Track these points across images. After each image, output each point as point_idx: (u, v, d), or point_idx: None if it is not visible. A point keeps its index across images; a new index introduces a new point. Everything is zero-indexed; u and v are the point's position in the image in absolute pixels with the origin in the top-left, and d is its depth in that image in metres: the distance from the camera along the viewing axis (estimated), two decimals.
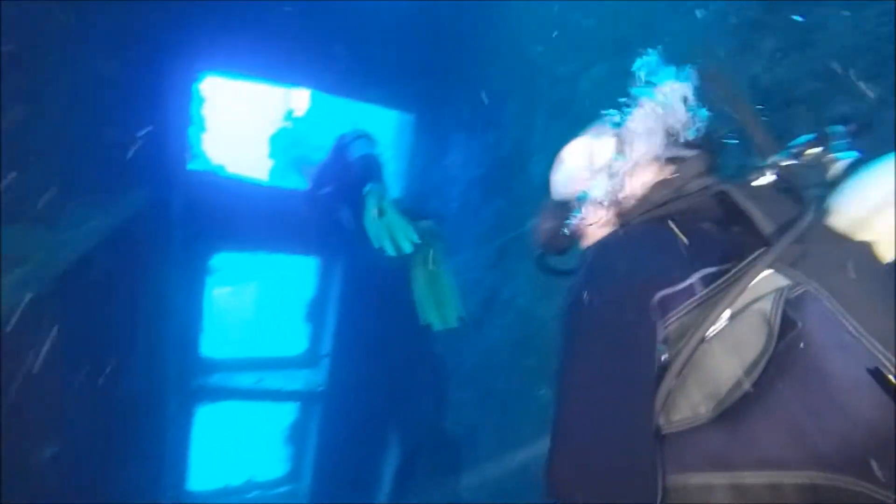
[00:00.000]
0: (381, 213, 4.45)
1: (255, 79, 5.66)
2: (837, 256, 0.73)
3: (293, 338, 6.79)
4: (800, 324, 0.65)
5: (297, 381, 6.46)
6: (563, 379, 0.81)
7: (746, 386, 0.64)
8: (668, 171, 1.06)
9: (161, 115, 4.82)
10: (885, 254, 0.74)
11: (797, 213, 0.77)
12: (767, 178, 0.95)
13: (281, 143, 8.95)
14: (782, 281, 0.71)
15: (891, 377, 0.59)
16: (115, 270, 3.93)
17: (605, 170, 1.12)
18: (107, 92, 3.64)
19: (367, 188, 4.57)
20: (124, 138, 4.10)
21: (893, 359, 0.61)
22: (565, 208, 1.20)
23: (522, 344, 3.81)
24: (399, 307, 5.82)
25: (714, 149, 1.08)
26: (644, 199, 1.04)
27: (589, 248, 0.94)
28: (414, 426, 5.59)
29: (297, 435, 6.73)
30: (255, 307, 7.34)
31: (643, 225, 0.96)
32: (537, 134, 3.89)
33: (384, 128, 7.14)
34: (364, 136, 5.19)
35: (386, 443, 6.12)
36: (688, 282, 0.77)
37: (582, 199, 1.15)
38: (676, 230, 0.86)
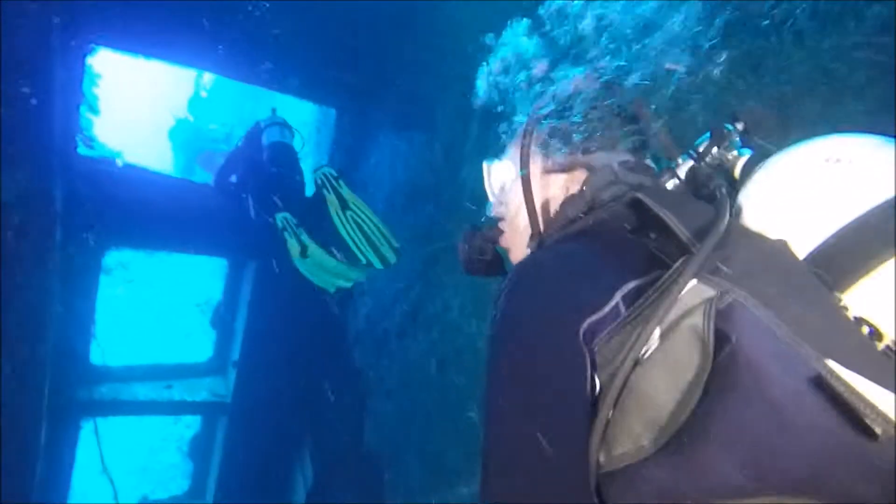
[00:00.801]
0: (303, 251, 4.09)
1: (158, 58, 5.09)
2: (758, 259, 0.70)
3: (196, 344, 6.24)
4: (733, 337, 0.60)
5: (201, 391, 5.93)
6: (490, 418, 0.75)
7: (687, 411, 0.60)
8: (577, 182, 1.02)
9: (46, 87, 4.21)
10: (801, 250, 0.72)
11: (712, 217, 0.73)
12: (674, 181, 0.95)
13: (182, 131, 8.39)
14: (708, 291, 0.66)
15: (832, 383, 0.55)
16: None
17: (500, 190, 1.11)
18: None
19: (279, 220, 4.17)
20: None
21: (831, 363, 0.58)
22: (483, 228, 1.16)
23: (450, 361, 3.61)
24: (314, 312, 5.50)
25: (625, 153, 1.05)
26: (557, 215, 1.00)
27: (507, 275, 0.87)
28: (330, 440, 5.26)
29: (199, 450, 6.19)
30: (154, 311, 6.69)
31: (559, 245, 0.92)
32: (472, 139, 3.68)
33: (302, 120, 6.74)
34: (279, 124, 4.85)
35: (299, 458, 5.74)
36: (612, 302, 0.72)
37: (489, 220, 1.13)
38: (590, 247, 0.85)
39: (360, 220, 3.97)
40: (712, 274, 0.67)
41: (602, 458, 0.67)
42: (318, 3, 4.85)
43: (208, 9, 4.66)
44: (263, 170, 4.64)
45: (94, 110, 5.05)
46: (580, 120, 1.03)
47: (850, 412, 0.54)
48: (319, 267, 4.14)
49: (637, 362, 0.65)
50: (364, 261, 3.86)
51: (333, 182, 4.13)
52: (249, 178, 4.73)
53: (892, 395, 0.55)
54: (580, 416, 0.69)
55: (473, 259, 1.15)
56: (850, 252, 0.66)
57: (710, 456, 0.59)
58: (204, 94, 8.67)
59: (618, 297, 0.72)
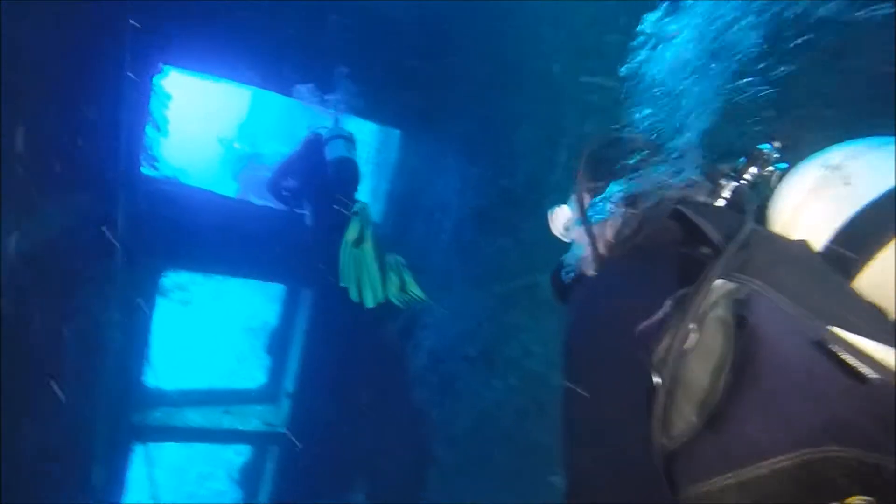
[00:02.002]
0: (358, 241, 4.01)
1: (221, 77, 4.98)
2: (776, 255, 0.82)
3: (250, 370, 6.07)
4: (750, 319, 0.71)
5: (253, 419, 5.73)
6: (567, 424, 0.89)
7: (721, 387, 0.70)
8: (630, 208, 1.13)
9: (110, 109, 4.12)
10: (817, 245, 0.82)
11: (740, 223, 0.85)
12: (718, 201, 1.04)
13: (228, 151, 8.39)
14: (730, 286, 0.77)
15: (828, 340, 0.65)
16: (44, 285, 3.19)
17: (568, 231, 1.25)
18: (46, 76, 2.92)
19: (357, 206, 4.08)
20: (63, 135, 3.41)
21: (835, 329, 0.67)
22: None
23: (531, 414, 3.24)
24: (373, 343, 5.24)
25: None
26: (616, 237, 1.12)
27: (574, 293, 1.03)
28: (386, 482, 4.94)
29: (248, 479, 5.98)
30: (208, 334, 6.57)
31: (616, 263, 1.05)
32: (558, 168, 3.34)
33: (364, 139, 6.56)
34: (345, 137, 4.58)
35: (351, 498, 5.44)
36: (663, 308, 0.82)
37: (571, 251, 1.26)
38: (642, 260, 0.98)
39: (361, 261, 3.96)
40: (735, 270, 0.77)
41: (665, 442, 0.75)
42: (384, 23, 4.66)
43: (273, 29, 4.53)
44: (330, 188, 4.39)
45: (161, 130, 4.97)
46: (613, 156, 1.17)
47: (844, 364, 0.62)
48: (358, 266, 4.00)
49: (682, 354, 0.74)
50: (343, 283, 3.91)
51: (366, 223, 4.07)
52: (311, 192, 4.53)
53: (888, 347, 0.64)
54: (642, 406, 0.77)
55: (561, 288, 1.27)
56: (852, 244, 0.74)
57: (747, 423, 0.68)
58: (246, 113, 8.67)
59: (668, 303, 0.81)
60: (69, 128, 3.47)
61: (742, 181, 1.03)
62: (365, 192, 6.59)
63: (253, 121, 8.69)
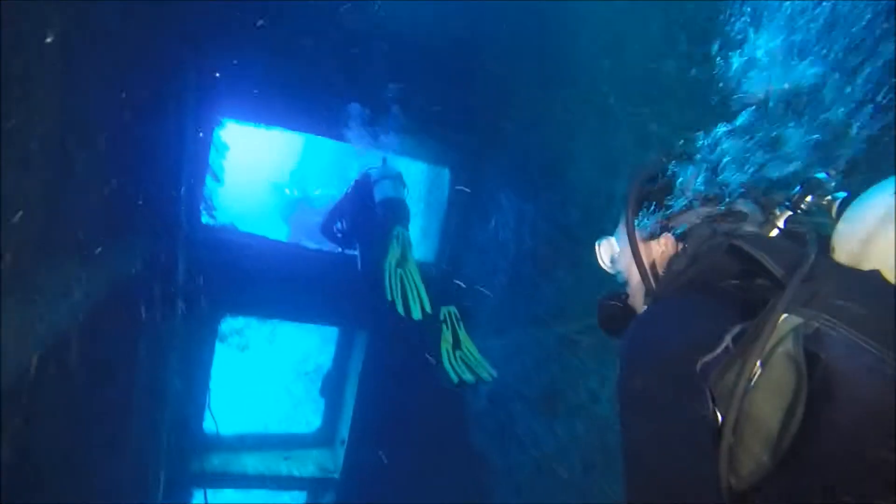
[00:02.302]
0: (401, 262, 4.11)
1: (273, 126, 5.13)
2: (845, 287, 0.77)
3: (305, 414, 6.03)
4: (823, 355, 0.69)
5: (308, 464, 5.66)
6: (628, 453, 0.86)
7: (796, 425, 0.67)
8: (670, 242, 1.16)
9: (169, 161, 4.27)
10: (891, 276, 0.77)
11: (802, 255, 0.82)
12: (775, 230, 1.03)
13: (280, 196, 8.61)
14: (796, 320, 0.74)
15: None
16: (109, 333, 3.25)
17: (614, 262, 1.27)
18: (113, 128, 3.03)
19: (396, 231, 4.21)
20: (128, 186, 3.53)
21: None
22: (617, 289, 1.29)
23: (598, 463, 3.03)
24: (428, 386, 5.12)
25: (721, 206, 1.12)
26: (667, 272, 1.11)
27: (628, 328, 0.97)
28: None
29: None
30: (264, 378, 6.61)
31: (671, 298, 1.03)
32: (617, 202, 3.21)
33: (413, 179, 6.58)
34: (392, 177, 4.61)
35: None
36: (723, 344, 0.81)
37: (618, 284, 1.28)
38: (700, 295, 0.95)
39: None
40: (801, 305, 0.75)
41: (733, 482, 0.75)
42: (433, 60, 4.69)
43: (320, 72, 4.62)
44: (380, 229, 4.42)
45: (219, 180, 5.12)
46: (662, 187, 1.16)
47: None
48: (403, 282, 4.05)
49: (746, 391, 0.73)
50: (456, 379, 3.91)
51: (455, 323, 4.09)
52: (362, 233, 4.58)
53: None
54: (706, 445, 0.77)
55: (607, 320, 1.27)
56: None
57: (821, 461, 0.66)
58: (297, 158, 8.90)
59: (728, 338, 0.81)
60: (134, 180, 3.59)
61: (797, 211, 1.01)
62: (415, 231, 6.60)
63: (304, 166, 8.94)
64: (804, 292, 0.77)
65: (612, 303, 1.28)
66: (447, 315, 4.11)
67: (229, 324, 5.34)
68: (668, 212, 1.17)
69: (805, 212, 1.01)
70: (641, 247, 1.20)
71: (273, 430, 5.97)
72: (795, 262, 0.81)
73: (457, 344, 4.04)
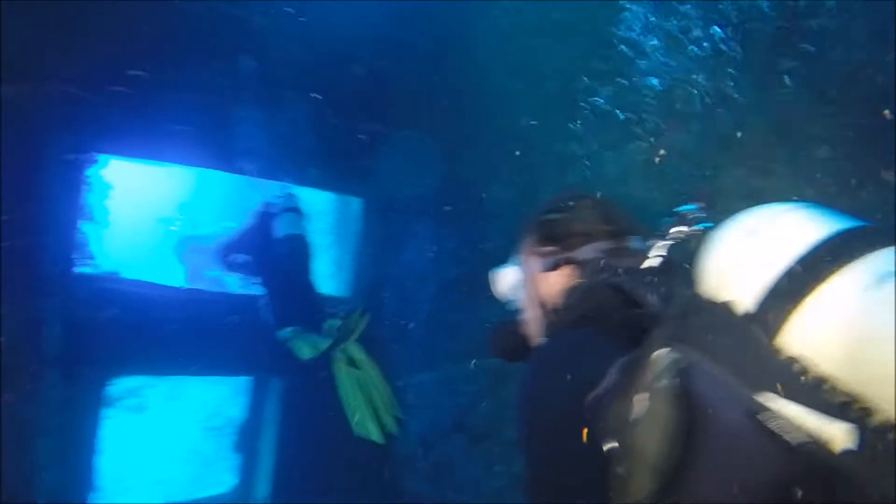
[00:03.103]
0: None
1: (160, 161, 4.64)
2: (710, 322, 0.85)
3: (220, 474, 5.44)
4: (693, 392, 0.77)
5: None
6: (530, 491, 0.96)
7: (675, 456, 0.75)
8: (569, 276, 1.20)
9: (39, 203, 3.73)
10: (743, 308, 0.84)
11: (673, 290, 0.93)
12: (651, 260, 1.08)
13: (176, 229, 8.00)
14: (673, 355, 0.82)
15: (757, 412, 0.71)
16: None
17: (511, 290, 1.33)
18: None
19: (327, 325, 3.97)
20: None
21: (762, 396, 0.73)
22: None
23: None
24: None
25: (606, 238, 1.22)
26: (561, 305, 1.17)
27: (528, 364, 1.05)
28: None
29: None
30: (171, 439, 5.92)
31: (565, 332, 1.11)
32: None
33: (321, 209, 6.23)
34: (293, 210, 4.38)
35: None
36: (610, 377, 0.87)
37: (513, 312, 1.32)
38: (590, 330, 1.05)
39: (365, 383, 3.80)
40: (674, 340, 0.83)
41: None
42: (335, 80, 4.43)
43: (211, 104, 4.23)
44: (278, 267, 4.25)
45: (98, 223, 4.54)
46: (557, 221, 1.23)
47: (772, 432, 0.70)
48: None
49: (631, 424, 0.79)
50: (355, 431, 3.78)
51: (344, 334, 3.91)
52: (261, 271, 4.36)
53: (808, 411, 0.70)
54: (596, 475, 0.83)
55: (502, 348, 1.35)
56: (771, 306, 0.80)
57: (697, 487, 0.76)
58: (187, 192, 8.31)
59: (613, 371, 0.88)
60: None
61: (672, 240, 1.09)
62: (326, 265, 6.23)
63: (195, 200, 8.30)
64: (676, 327, 0.85)
65: (507, 330, 1.33)
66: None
67: (122, 385, 4.71)
68: (567, 244, 1.22)
69: (678, 243, 1.08)
70: (540, 278, 1.24)
71: (180, 498, 5.33)
72: (670, 296, 0.90)
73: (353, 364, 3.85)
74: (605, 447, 0.82)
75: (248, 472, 5.31)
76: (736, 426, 0.74)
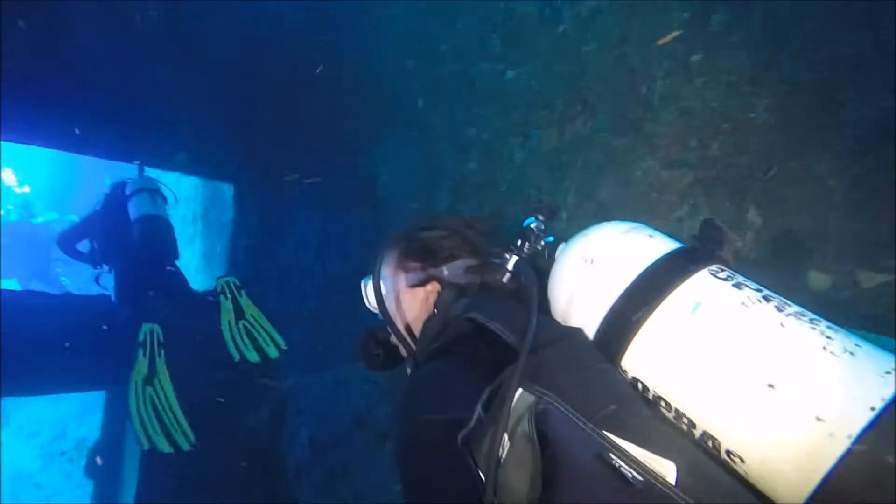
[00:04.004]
0: (149, 377, 3.40)
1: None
2: (561, 358, 0.90)
3: None
4: (549, 434, 0.80)
5: None
6: None
7: (536, 495, 0.79)
8: (433, 293, 1.20)
9: None
10: (590, 333, 0.93)
11: (526, 318, 0.91)
12: (504, 275, 1.12)
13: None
14: (529, 398, 0.84)
15: (608, 457, 0.76)
16: None
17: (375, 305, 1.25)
18: None
19: (145, 329, 3.46)
20: None
21: (607, 443, 0.78)
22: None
23: None
24: (240, 442, 4.33)
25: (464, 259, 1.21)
26: (423, 335, 1.17)
27: (399, 401, 1.06)
28: None
29: None
30: (6, 475, 4.96)
31: (429, 366, 1.09)
32: (441, 213, 2.91)
33: (186, 195, 5.57)
34: (151, 190, 3.90)
35: None
36: (475, 415, 0.87)
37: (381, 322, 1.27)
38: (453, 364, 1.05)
39: (251, 330, 3.58)
40: (530, 379, 0.85)
41: None
42: (204, 56, 3.91)
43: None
44: (132, 250, 3.75)
45: None
46: (425, 237, 1.22)
47: (618, 471, 0.75)
48: (154, 407, 3.41)
49: (499, 463, 0.83)
50: (237, 357, 3.53)
51: (234, 292, 3.60)
52: (113, 255, 3.90)
53: (643, 450, 0.77)
54: None
55: (370, 357, 1.31)
56: (615, 330, 0.89)
57: None
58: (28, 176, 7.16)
59: (478, 408, 0.88)
60: None
61: (520, 255, 1.11)
62: (194, 256, 5.61)
63: (33, 183, 7.11)
64: (531, 364, 0.87)
65: (374, 343, 1.31)
66: (224, 286, 3.58)
67: None
68: (433, 261, 1.21)
69: (527, 257, 1.09)
70: (407, 293, 1.23)
71: None
72: (523, 327, 0.91)
73: (240, 314, 3.58)
74: (480, 475, 0.85)
75: (105, 498, 4.65)
76: (587, 467, 0.78)
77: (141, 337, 3.39)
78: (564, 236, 1.07)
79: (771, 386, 0.73)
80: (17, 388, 3.94)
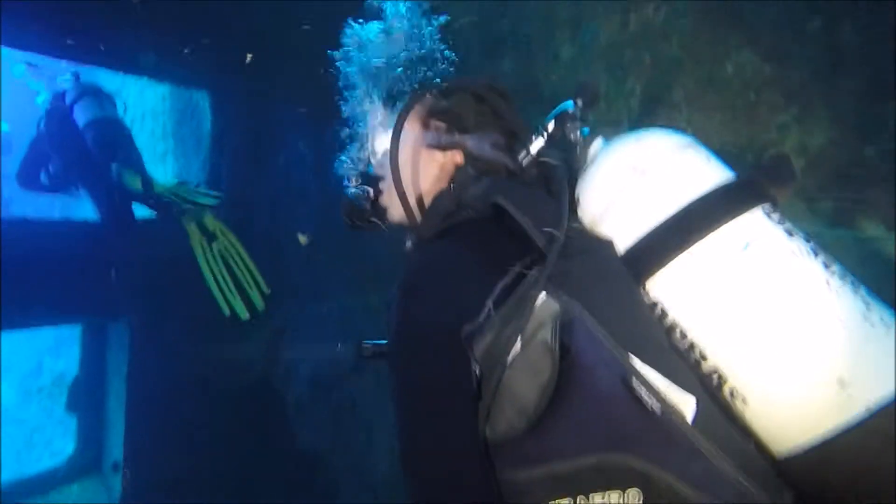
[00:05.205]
0: (211, 235, 3.31)
1: None
2: (591, 268, 0.86)
3: (53, 442, 4.42)
4: (572, 348, 0.79)
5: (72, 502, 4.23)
6: (399, 410, 0.90)
7: (545, 402, 0.79)
8: (452, 161, 1.09)
9: None
10: (620, 245, 0.87)
11: (556, 216, 0.87)
12: (529, 158, 1.02)
13: None
14: (554, 306, 0.82)
15: (629, 378, 0.76)
16: None
17: (383, 154, 1.15)
18: None
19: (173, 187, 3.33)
20: None
21: (635, 360, 0.78)
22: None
23: None
24: (234, 378, 4.06)
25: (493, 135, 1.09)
26: (433, 210, 1.07)
27: (400, 279, 0.96)
28: None
29: None
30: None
31: (436, 247, 0.99)
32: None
33: (150, 107, 4.98)
34: (91, 93, 3.64)
35: None
36: (485, 310, 0.84)
37: (370, 177, 1.18)
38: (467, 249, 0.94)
39: (227, 256, 3.33)
40: (557, 286, 0.83)
41: (488, 433, 0.85)
42: None
43: None
44: (93, 160, 3.52)
45: None
46: (457, 99, 1.09)
47: (640, 399, 0.76)
48: (227, 266, 3.34)
49: (506, 366, 0.82)
50: (227, 312, 3.30)
51: (192, 203, 3.33)
52: (75, 172, 3.64)
53: (666, 380, 0.78)
54: (468, 404, 0.85)
55: (354, 215, 1.18)
56: (651, 250, 0.85)
57: (560, 431, 0.80)
58: None
59: (489, 303, 0.85)
60: None
61: (549, 141, 1.02)
62: (167, 175, 5.10)
63: None
64: (557, 269, 0.83)
65: (361, 198, 1.18)
66: (180, 200, 3.32)
67: None
68: (461, 125, 1.08)
69: (554, 142, 1.00)
70: (425, 154, 1.10)
71: (8, 477, 4.30)
72: (552, 223, 0.86)
73: (209, 235, 3.34)
74: (477, 371, 0.83)
75: (89, 433, 4.41)
76: (608, 388, 0.78)
77: (175, 208, 3.27)
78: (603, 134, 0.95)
79: (803, 340, 0.73)
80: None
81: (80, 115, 3.54)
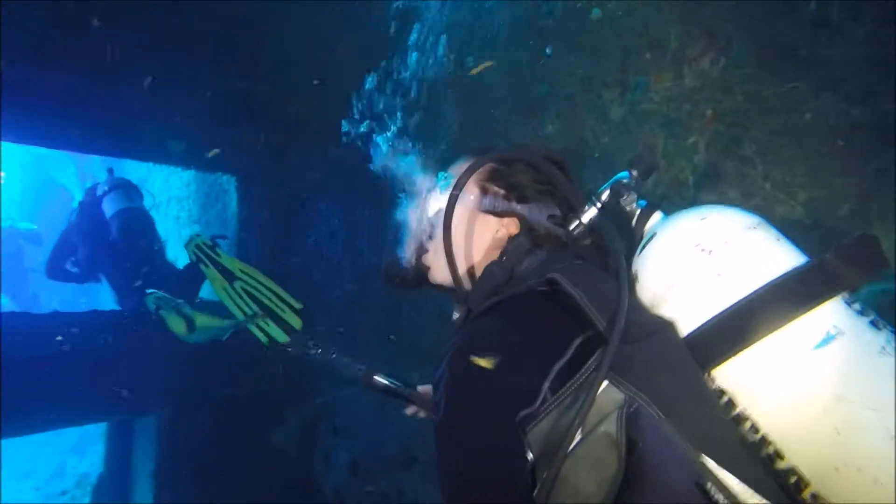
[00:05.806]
0: (190, 326, 3.31)
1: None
2: (654, 354, 0.80)
3: None
4: (640, 444, 0.73)
5: None
6: (448, 501, 0.83)
7: (610, 499, 0.73)
8: (507, 228, 1.04)
9: None
10: (683, 328, 0.81)
11: (616, 296, 0.81)
12: (582, 233, 0.98)
13: None
14: (617, 395, 0.77)
15: (702, 479, 0.70)
16: None
17: (436, 213, 1.10)
18: None
19: (151, 300, 3.34)
20: None
21: (707, 471, 0.71)
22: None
23: None
24: (269, 469, 3.84)
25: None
26: (485, 280, 1.00)
27: (451, 355, 0.88)
28: None
29: None
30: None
31: (489, 321, 0.92)
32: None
33: (177, 195, 5.01)
34: (122, 187, 3.81)
35: None
36: (541, 395, 0.80)
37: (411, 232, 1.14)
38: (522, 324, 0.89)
39: (252, 290, 3.23)
40: (619, 372, 0.77)
41: None
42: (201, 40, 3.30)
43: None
44: (115, 247, 3.67)
45: None
46: (517, 168, 1.06)
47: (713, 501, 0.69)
48: (213, 331, 3.33)
49: (566, 456, 0.75)
50: (266, 342, 3.16)
51: (210, 252, 3.29)
52: (99, 260, 3.75)
53: (739, 482, 0.71)
54: (523, 497, 0.78)
55: (396, 271, 1.15)
56: (720, 337, 0.79)
57: None
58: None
59: (545, 386, 0.80)
60: None
61: (602, 211, 0.97)
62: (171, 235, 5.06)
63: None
64: (620, 355, 0.77)
65: (404, 260, 1.12)
66: (196, 250, 3.23)
67: None
68: (520, 193, 1.03)
69: (606, 212, 0.95)
70: (480, 219, 1.04)
71: None
72: (612, 303, 0.80)
73: (228, 275, 3.24)
74: (530, 457, 0.79)
75: None
76: (680, 490, 0.72)
77: (194, 257, 3.23)
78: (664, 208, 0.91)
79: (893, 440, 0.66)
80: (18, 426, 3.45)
81: (108, 207, 3.70)
